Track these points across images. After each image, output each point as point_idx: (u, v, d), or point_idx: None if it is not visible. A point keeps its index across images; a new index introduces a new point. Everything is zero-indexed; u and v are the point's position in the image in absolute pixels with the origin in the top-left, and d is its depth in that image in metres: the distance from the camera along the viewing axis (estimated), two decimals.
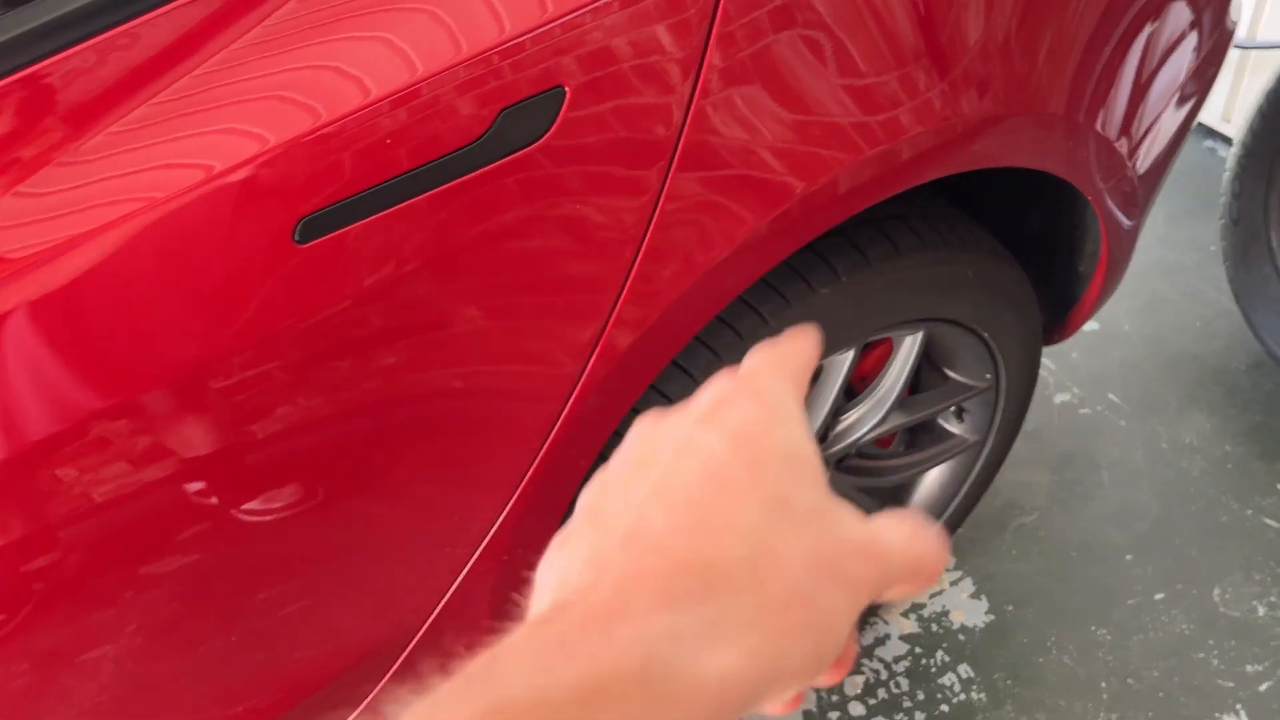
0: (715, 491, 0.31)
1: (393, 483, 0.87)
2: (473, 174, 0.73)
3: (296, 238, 0.69)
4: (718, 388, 0.35)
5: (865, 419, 1.34)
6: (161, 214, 0.67)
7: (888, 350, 1.32)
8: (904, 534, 0.32)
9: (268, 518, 0.84)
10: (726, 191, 0.85)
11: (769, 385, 0.35)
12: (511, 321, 0.82)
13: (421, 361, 0.80)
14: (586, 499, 0.33)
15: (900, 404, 1.37)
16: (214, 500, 0.80)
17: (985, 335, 1.31)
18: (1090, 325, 2.15)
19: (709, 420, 0.33)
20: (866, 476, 1.45)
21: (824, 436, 1.32)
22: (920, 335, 1.26)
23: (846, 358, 1.20)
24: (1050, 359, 2.09)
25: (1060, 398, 2.02)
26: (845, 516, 0.32)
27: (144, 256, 0.67)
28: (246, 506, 0.82)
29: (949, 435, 1.50)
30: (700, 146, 0.82)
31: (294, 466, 0.81)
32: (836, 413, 1.33)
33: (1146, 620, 1.63)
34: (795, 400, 0.35)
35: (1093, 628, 1.63)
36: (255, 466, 0.79)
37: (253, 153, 0.67)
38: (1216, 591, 1.67)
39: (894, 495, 1.59)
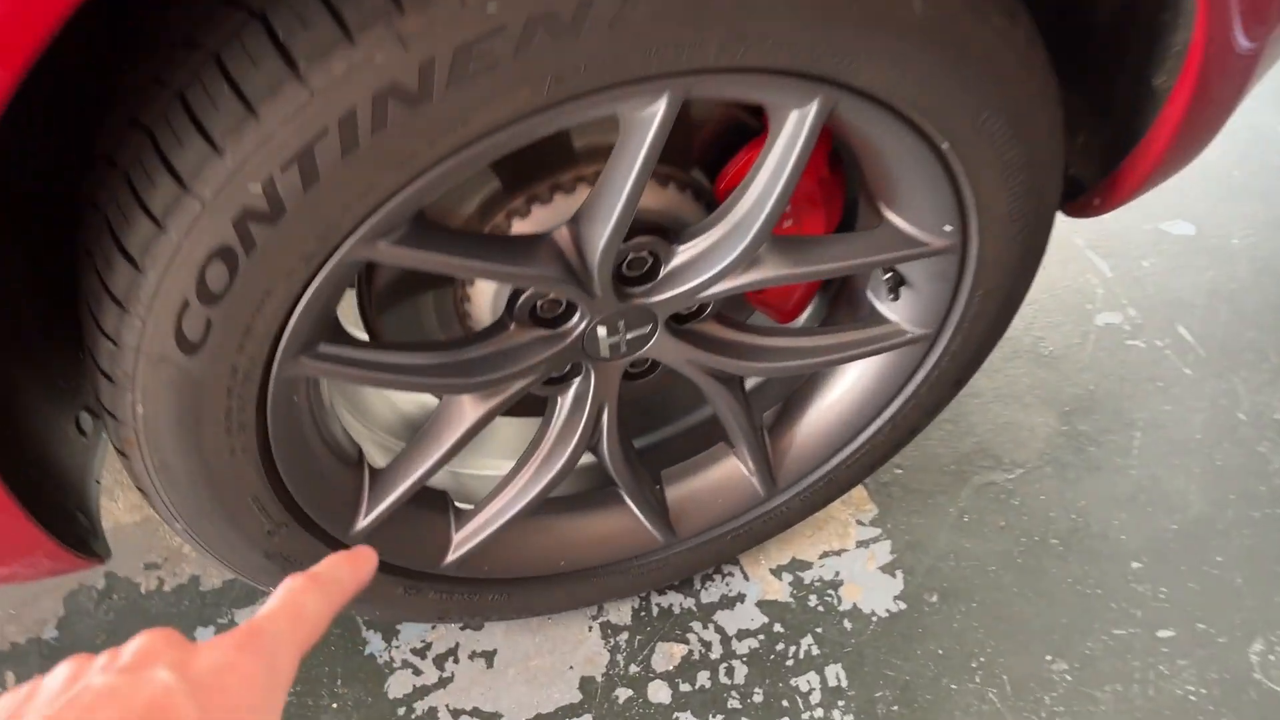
0: None
1: None
2: None
3: None
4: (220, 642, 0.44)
5: (717, 253, 0.82)
6: None
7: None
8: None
9: None
10: None
11: (271, 646, 0.44)
12: None
13: None
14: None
15: (783, 244, 0.85)
16: None
17: (944, 146, 0.79)
18: (1183, 226, 1.71)
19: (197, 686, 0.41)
20: (738, 358, 0.95)
21: (630, 275, 0.80)
22: (813, 111, 0.72)
23: (654, 114, 0.66)
24: (1101, 253, 1.66)
25: (1105, 317, 1.60)
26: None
27: None
28: None
29: (878, 318, 1.01)
30: None
31: None
32: (662, 235, 0.81)
33: (1135, 665, 1.19)
34: (290, 660, 0.45)
35: (1048, 658, 1.21)
36: None
37: None
38: (1258, 647, 1.22)
39: (789, 390, 1.12)
